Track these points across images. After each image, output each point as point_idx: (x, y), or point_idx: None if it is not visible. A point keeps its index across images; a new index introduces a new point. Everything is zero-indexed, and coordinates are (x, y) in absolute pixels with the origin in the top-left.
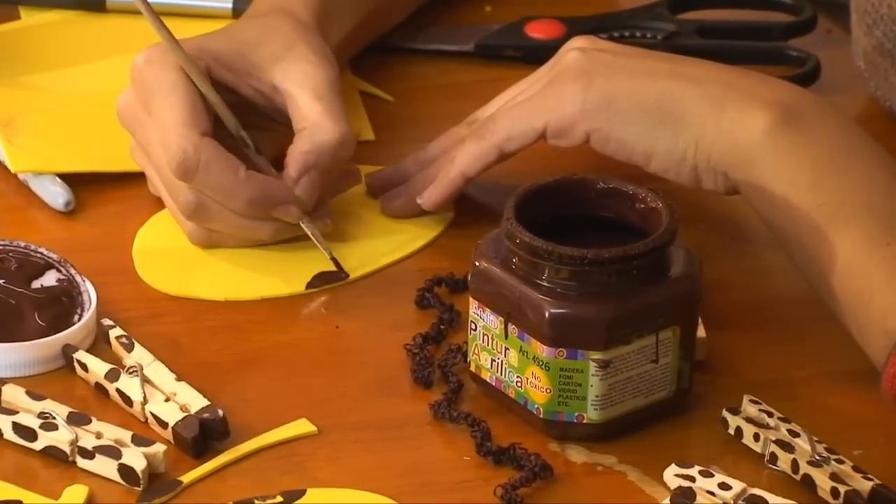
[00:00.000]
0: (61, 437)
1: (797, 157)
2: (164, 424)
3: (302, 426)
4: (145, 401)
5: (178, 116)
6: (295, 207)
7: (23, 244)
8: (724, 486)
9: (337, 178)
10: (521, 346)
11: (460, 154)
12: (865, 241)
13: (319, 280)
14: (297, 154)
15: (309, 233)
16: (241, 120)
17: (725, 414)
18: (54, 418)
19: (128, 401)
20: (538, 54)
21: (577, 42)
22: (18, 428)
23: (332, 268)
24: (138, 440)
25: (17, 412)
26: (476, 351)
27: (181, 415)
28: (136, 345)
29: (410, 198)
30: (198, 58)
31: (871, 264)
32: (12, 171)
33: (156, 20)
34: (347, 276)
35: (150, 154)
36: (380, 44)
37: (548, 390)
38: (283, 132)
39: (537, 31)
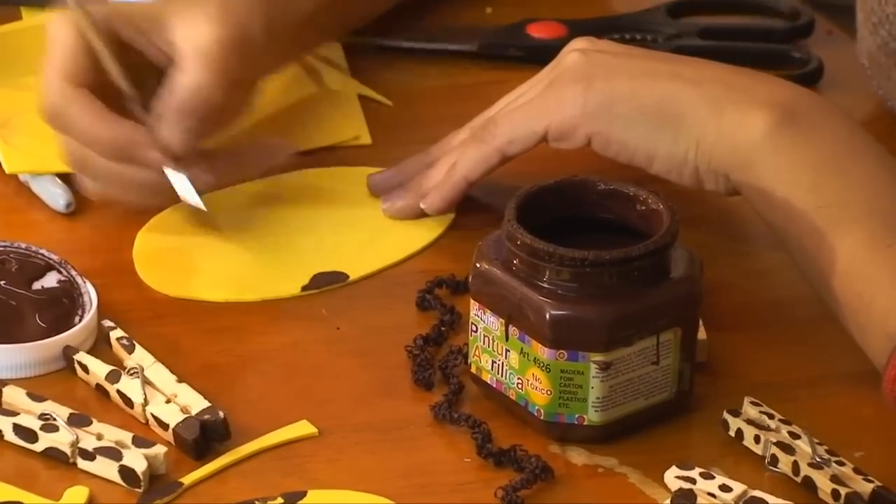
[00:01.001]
0: (62, 439)
1: (798, 157)
2: (164, 426)
3: (303, 428)
4: (146, 402)
5: (56, 66)
6: (155, 151)
7: (23, 245)
8: (725, 488)
9: (263, 149)
10: (521, 348)
11: (462, 158)
12: (867, 242)
13: (318, 281)
14: (160, 98)
15: (171, 180)
16: (150, 84)
17: (726, 416)
18: (55, 420)
19: (128, 402)
20: (541, 54)
21: (578, 43)
22: (19, 429)
23: (331, 269)
24: (139, 442)
25: (18, 413)
26: (477, 352)
27: (182, 416)
28: (137, 346)
29: (412, 199)
30: (102, 16)
31: (873, 266)
32: (6, 171)
33: None
34: (347, 276)
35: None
36: (381, 44)
37: (548, 392)
38: None
39: (539, 32)
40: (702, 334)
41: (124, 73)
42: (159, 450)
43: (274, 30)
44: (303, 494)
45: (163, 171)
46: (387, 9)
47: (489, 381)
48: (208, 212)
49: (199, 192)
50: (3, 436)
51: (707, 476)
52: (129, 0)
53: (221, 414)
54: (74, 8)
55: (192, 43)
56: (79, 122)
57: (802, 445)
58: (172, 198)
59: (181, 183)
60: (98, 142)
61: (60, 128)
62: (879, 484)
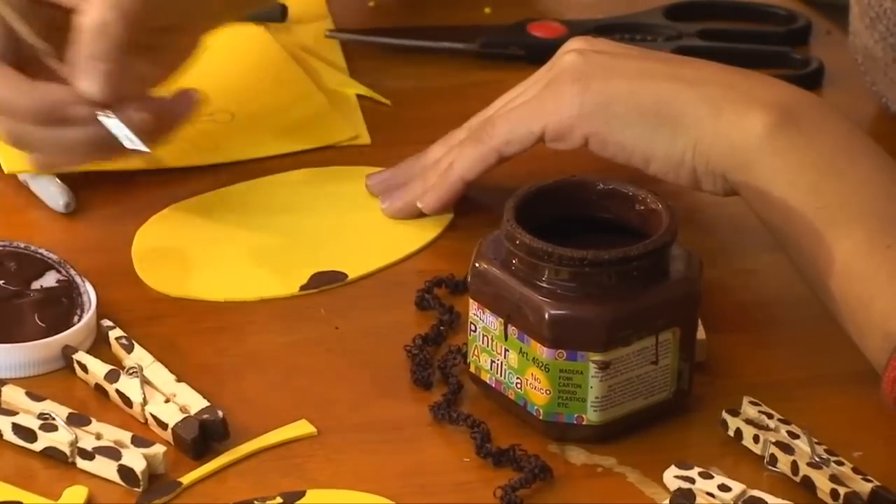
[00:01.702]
0: (61, 438)
1: (796, 158)
2: (163, 425)
3: (302, 427)
4: (145, 402)
5: None
6: (81, 106)
7: (22, 245)
8: (724, 488)
9: (175, 100)
10: (520, 348)
11: (459, 158)
12: (865, 243)
13: (317, 280)
14: (71, 49)
15: (109, 126)
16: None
17: (725, 415)
18: (54, 419)
19: (127, 402)
20: (542, 53)
21: (575, 43)
22: (18, 429)
23: (330, 268)
24: (138, 441)
25: (17, 413)
26: (476, 352)
27: (181, 416)
28: (136, 346)
29: (410, 199)
30: None
31: (871, 266)
32: (5, 170)
33: None
34: (346, 276)
35: None
36: (381, 42)
37: (547, 392)
38: None
39: (540, 32)
40: (701, 334)
41: (35, 32)
42: (158, 449)
43: None
44: (302, 494)
45: (97, 123)
46: None
47: (488, 381)
48: (152, 153)
49: (138, 135)
50: (2, 435)
51: (706, 476)
52: None
53: (220, 413)
54: None
55: None
56: (2, 94)
57: (801, 445)
58: (118, 148)
59: (118, 129)
60: (25, 111)
61: None
62: (878, 484)
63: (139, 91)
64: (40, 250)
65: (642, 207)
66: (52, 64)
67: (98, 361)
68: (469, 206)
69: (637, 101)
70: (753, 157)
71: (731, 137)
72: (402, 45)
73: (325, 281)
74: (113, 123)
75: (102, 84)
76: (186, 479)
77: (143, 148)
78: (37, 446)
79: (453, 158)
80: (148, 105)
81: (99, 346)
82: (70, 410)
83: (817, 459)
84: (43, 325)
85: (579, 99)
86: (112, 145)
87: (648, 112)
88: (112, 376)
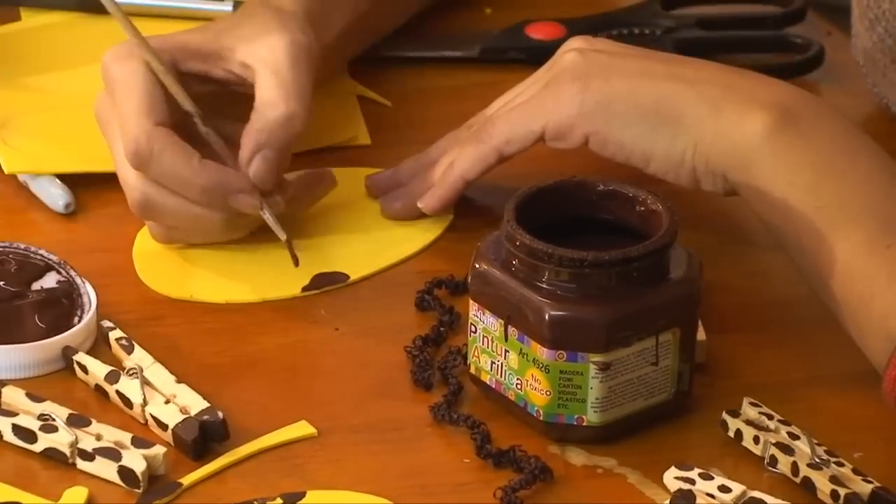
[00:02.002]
0: (61, 439)
1: (796, 158)
2: (163, 426)
3: (302, 428)
4: (145, 403)
5: (133, 107)
6: (252, 197)
7: (23, 246)
8: (724, 489)
9: (310, 181)
10: (521, 349)
11: (459, 158)
12: (865, 243)
13: (319, 281)
14: (249, 133)
15: (268, 219)
16: (226, 111)
17: (725, 416)
18: (54, 420)
19: (128, 403)
20: (542, 55)
21: (575, 43)
22: (18, 430)
23: (331, 269)
24: (138, 442)
25: (17, 414)
26: (476, 353)
27: (181, 417)
28: (136, 347)
29: (410, 200)
30: (163, 50)
31: (872, 266)
32: (6, 171)
33: (121, 16)
34: (348, 277)
35: (114, 151)
36: (381, 55)
37: (548, 393)
38: None
39: (538, 33)
40: (701, 335)
41: (195, 106)
42: (158, 450)
43: (321, 42)
44: (302, 495)
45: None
46: (400, 25)
47: (488, 382)
48: (286, 239)
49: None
50: (2, 436)
51: (706, 477)
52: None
53: (220, 414)
54: (135, 38)
55: (271, 60)
56: (171, 164)
57: (801, 446)
58: (238, 232)
59: (271, 218)
60: (191, 186)
61: (146, 169)
62: (878, 485)
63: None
64: (40, 251)
65: (642, 208)
66: (207, 134)
67: (98, 362)
68: (469, 207)
69: (637, 100)
70: (753, 156)
71: (732, 137)
72: (400, 56)
73: (326, 282)
74: (270, 216)
75: (275, 175)
76: (186, 480)
77: (282, 235)
78: (37, 447)
79: (453, 158)
80: (287, 188)
81: (99, 347)
82: (70, 411)
83: (817, 460)
84: (43, 325)
85: (579, 98)
86: (238, 226)
87: (648, 111)
88: (112, 377)
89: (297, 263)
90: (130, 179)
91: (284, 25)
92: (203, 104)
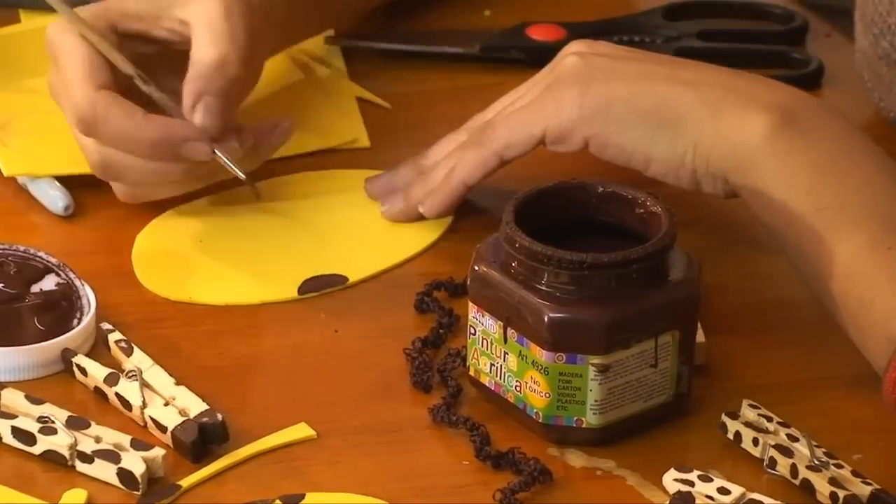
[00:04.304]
0: (60, 442)
1: (796, 160)
2: (163, 428)
3: (301, 430)
4: (144, 405)
5: (75, 75)
6: (201, 144)
7: (22, 248)
8: (723, 491)
9: (266, 129)
10: (520, 351)
11: (460, 163)
12: (866, 245)
13: (317, 283)
14: (187, 83)
15: (223, 161)
16: (177, 70)
17: (724, 418)
18: (53, 422)
19: (127, 405)
20: (542, 56)
21: (575, 46)
22: (17, 432)
23: (330, 271)
24: (137, 444)
25: (17, 416)
26: (475, 355)
27: (180, 419)
28: (136, 349)
29: (410, 202)
30: (100, 16)
31: (872, 268)
32: (5, 174)
33: None
34: (346, 279)
35: (70, 121)
36: (381, 48)
37: (547, 395)
38: None
39: (539, 34)
40: (700, 337)
41: (135, 67)
42: (157, 452)
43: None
44: (301, 497)
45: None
46: (376, 4)
47: (487, 384)
48: (246, 178)
49: (236, 164)
50: (1, 438)
51: (705, 479)
52: None
53: (220, 416)
54: (66, 13)
55: (204, 15)
56: (116, 125)
57: (801, 448)
58: (202, 181)
59: (226, 159)
60: (139, 143)
61: (94, 133)
62: (878, 487)
63: (236, 122)
64: (40, 253)
65: (642, 210)
66: (150, 92)
67: (97, 364)
68: (468, 209)
69: (637, 103)
70: (753, 159)
71: (732, 139)
72: (401, 50)
73: (325, 284)
74: (224, 157)
75: (219, 119)
76: (186, 483)
77: (241, 175)
78: (36, 449)
79: (454, 163)
80: (246, 135)
81: (98, 350)
82: (69, 413)
83: (817, 462)
84: (42, 328)
85: (579, 101)
86: (198, 179)
87: (648, 114)
88: (111, 379)
89: (258, 199)
90: (87, 143)
91: None
92: (151, 65)
